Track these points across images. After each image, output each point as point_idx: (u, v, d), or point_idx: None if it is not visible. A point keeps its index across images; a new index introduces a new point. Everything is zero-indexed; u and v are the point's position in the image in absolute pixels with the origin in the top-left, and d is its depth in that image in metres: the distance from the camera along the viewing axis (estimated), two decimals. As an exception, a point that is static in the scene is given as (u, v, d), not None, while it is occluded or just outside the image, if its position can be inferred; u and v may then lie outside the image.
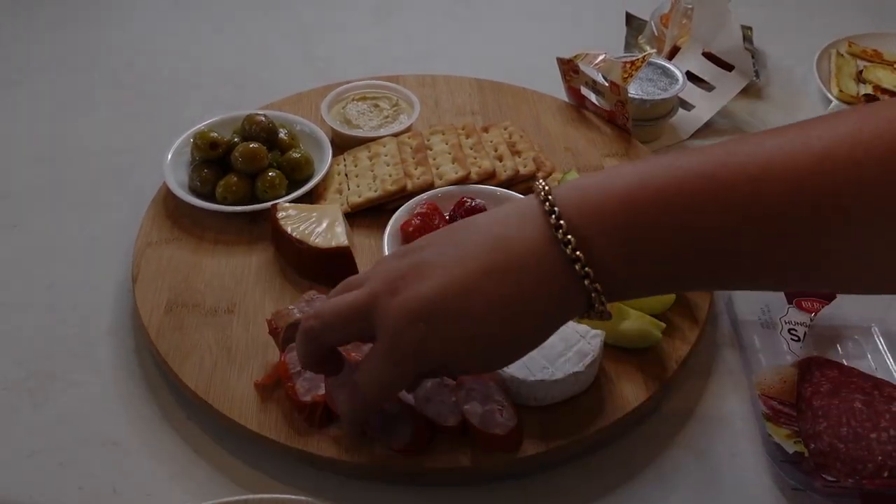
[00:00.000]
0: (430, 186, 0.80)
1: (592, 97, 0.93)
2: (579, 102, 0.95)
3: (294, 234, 0.72)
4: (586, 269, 0.45)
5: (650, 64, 0.94)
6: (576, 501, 0.60)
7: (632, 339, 0.66)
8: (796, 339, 0.69)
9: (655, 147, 0.93)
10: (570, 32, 1.14)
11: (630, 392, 0.64)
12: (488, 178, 0.81)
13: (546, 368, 0.61)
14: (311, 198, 0.81)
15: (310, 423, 0.61)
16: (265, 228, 0.77)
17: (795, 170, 0.43)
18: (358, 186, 0.81)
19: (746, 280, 0.49)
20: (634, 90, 0.91)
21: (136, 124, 0.95)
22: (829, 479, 0.58)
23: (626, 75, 0.87)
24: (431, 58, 1.08)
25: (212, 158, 0.81)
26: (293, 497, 0.54)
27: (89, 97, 1.00)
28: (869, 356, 0.68)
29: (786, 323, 0.70)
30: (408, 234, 0.73)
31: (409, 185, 0.80)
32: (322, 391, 0.60)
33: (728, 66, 0.97)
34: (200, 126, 0.84)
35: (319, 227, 0.73)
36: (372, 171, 0.82)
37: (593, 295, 0.46)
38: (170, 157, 0.82)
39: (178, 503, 0.59)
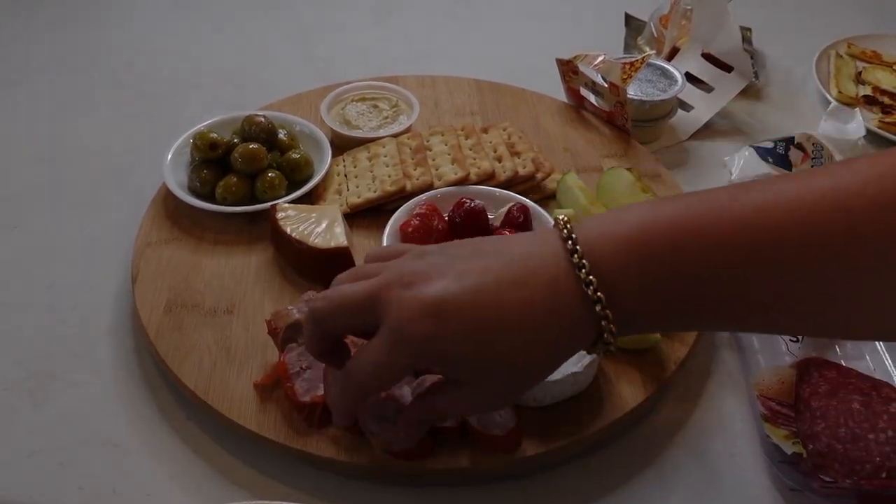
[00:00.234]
0: (430, 187, 0.80)
1: (592, 98, 0.93)
2: (578, 103, 0.95)
3: (293, 235, 0.72)
4: (598, 293, 0.45)
5: (649, 65, 0.94)
6: (575, 502, 0.60)
7: (631, 340, 0.66)
8: (795, 339, 0.69)
9: (655, 148, 0.93)
10: (569, 33, 1.14)
11: (629, 393, 0.64)
12: (487, 178, 0.81)
13: (545, 369, 0.61)
14: (311, 198, 0.81)
15: (309, 424, 0.61)
16: (265, 229, 0.77)
17: (811, 210, 0.43)
18: (357, 187, 0.81)
19: (758, 322, 0.48)
20: (633, 91, 0.91)
21: (135, 125, 0.96)
22: (827, 479, 0.58)
23: (625, 76, 0.87)
24: (431, 58, 1.08)
25: (211, 159, 0.81)
26: None
27: (89, 97, 1.00)
28: (867, 357, 0.68)
29: (784, 324, 0.70)
30: (407, 235, 0.73)
31: (409, 186, 0.80)
32: (321, 392, 0.60)
33: (727, 68, 0.97)
34: (200, 126, 0.84)
35: (319, 227, 0.73)
36: (371, 171, 0.82)
37: (603, 323, 0.46)
38: (169, 157, 0.82)
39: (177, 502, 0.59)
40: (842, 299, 0.45)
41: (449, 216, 0.75)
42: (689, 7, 1.00)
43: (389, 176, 0.81)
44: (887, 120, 0.96)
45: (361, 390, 0.50)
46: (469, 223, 0.74)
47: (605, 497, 0.60)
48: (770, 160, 0.85)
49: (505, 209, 0.76)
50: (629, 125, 0.90)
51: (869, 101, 1.00)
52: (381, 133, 0.87)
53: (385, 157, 0.84)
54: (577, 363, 0.61)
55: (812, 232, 0.43)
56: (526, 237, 0.50)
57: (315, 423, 0.61)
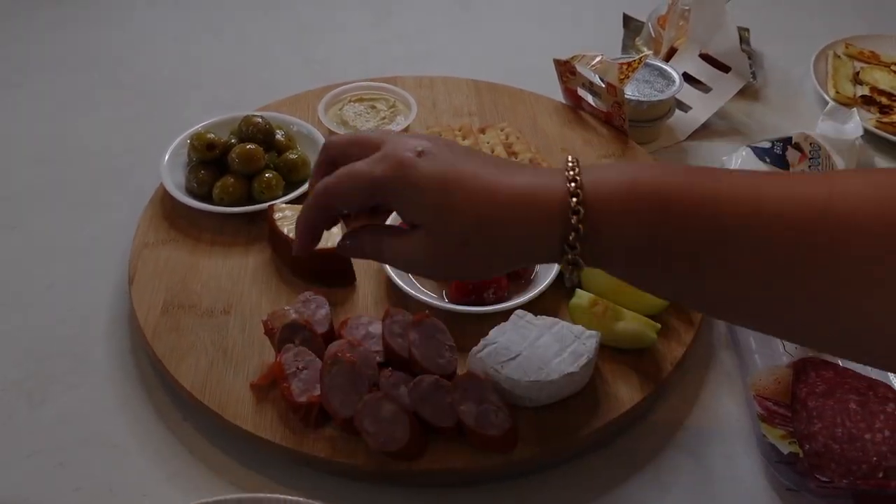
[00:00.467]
0: (427, 187, 0.80)
1: (589, 98, 0.93)
2: (576, 104, 0.95)
3: (290, 235, 0.72)
4: (580, 207, 0.47)
5: (647, 65, 0.94)
6: (572, 502, 0.60)
7: (627, 340, 0.66)
8: (791, 340, 0.69)
9: (653, 148, 0.93)
10: (567, 34, 1.14)
11: (625, 393, 0.64)
12: (485, 179, 0.81)
13: (541, 369, 0.61)
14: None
15: (305, 424, 0.61)
16: (262, 229, 0.77)
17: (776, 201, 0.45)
18: (355, 187, 0.81)
19: (696, 292, 0.49)
20: (631, 91, 0.91)
21: (133, 125, 0.96)
22: (824, 479, 0.58)
23: (622, 77, 0.87)
24: (429, 59, 1.09)
25: (209, 159, 0.81)
26: (287, 497, 0.55)
27: (88, 98, 1.00)
28: (864, 357, 0.68)
29: (781, 324, 0.70)
30: (404, 236, 0.73)
31: (406, 187, 0.80)
32: (317, 392, 0.61)
33: (725, 68, 0.98)
34: (197, 127, 0.84)
35: (316, 228, 0.73)
36: (369, 172, 0.82)
37: (572, 236, 0.47)
38: (167, 158, 0.82)
39: (174, 503, 0.59)
40: (792, 296, 0.45)
41: (446, 216, 0.75)
42: (687, 8, 1.00)
43: (387, 176, 0.81)
44: (885, 120, 0.96)
45: (332, 194, 0.51)
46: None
47: (601, 497, 0.60)
48: (767, 160, 0.85)
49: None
50: (627, 125, 0.90)
51: (867, 102, 1.00)
52: (379, 134, 0.87)
53: (382, 157, 0.84)
54: (573, 364, 0.62)
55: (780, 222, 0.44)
56: (540, 167, 0.54)
57: (311, 424, 0.61)
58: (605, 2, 1.18)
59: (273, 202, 0.77)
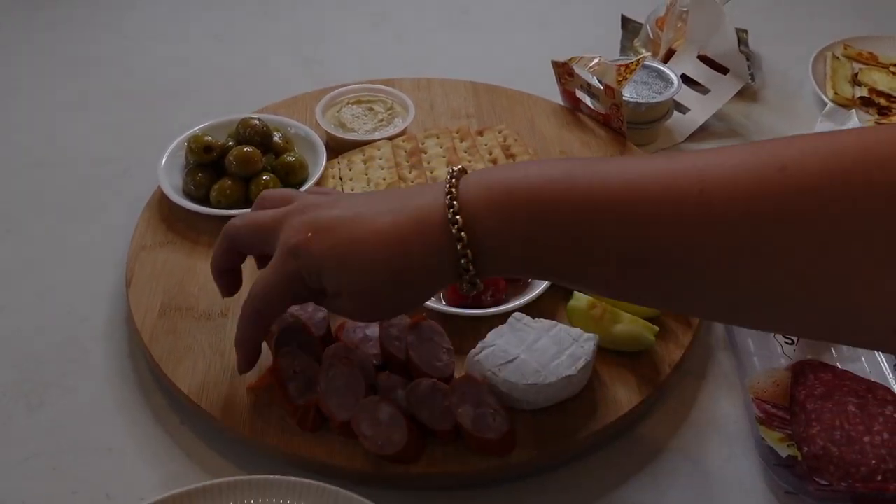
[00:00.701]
0: (425, 190, 0.80)
1: (587, 100, 0.93)
2: (574, 105, 0.95)
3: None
4: (462, 233, 0.49)
5: (645, 67, 0.94)
6: (569, 505, 0.60)
7: (625, 343, 0.66)
8: (790, 342, 0.68)
9: (651, 150, 0.93)
10: (565, 35, 1.14)
11: (623, 396, 0.64)
12: (483, 181, 0.81)
13: (538, 372, 0.61)
14: (306, 201, 0.81)
15: (302, 427, 0.61)
16: (259, 232, 0.77)
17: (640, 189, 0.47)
18: (352, 190, 0.81)
19: (591, 281, 0.51)
20: (629, 93, 0.91)
21: (131, 128, 0.96)
22: (823, 482, 0.58)
23: (620, 78, 0.87)
24: (427, 61, 1.08)
25: (206, 162, 0.81)
26: (266, 476, 0.55)
27: (84, 101, 1.00)
28: (863, 359, 0.68)
29: (780, 326, 0.70)
30: (402, 238, 0.73)
31: (404, 189, 0.80)
32: (315, 395, 0.60)
33: (723, 69, 0.97)
34: (195, 130, 0.84)
35: (313, 230, 0.73)
36: (366, 174, 0.82)
37: (463, 261, 0.50)
38: (164, 160, 0.82)
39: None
40: (682, 271, 0.47)
41: (444, 219, 0.75)
42: (685, 9, 1.00)
43: (385, 178, 0.81)
44: (884, 121, 0.96)
45: (255, 306, 0.56)
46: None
47: (599, 500, 0.60)
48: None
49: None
50: (625, 127, 0.90)
51: (865, 103, 1.00)
52: (377, 136, 0.87)
53: (380, 159, 0.84)
54: (571, 366, 0.61)
55: (664, 200, 0.45)
56: (424, 185, 0.55)
57: (308, 427, 0.60)
58: (604, 3, 1.18)
59: (270, 205, 0.77)
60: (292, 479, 0.55)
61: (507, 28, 1.17)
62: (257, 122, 0.83)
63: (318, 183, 0.82)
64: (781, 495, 0.60)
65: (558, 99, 0.96)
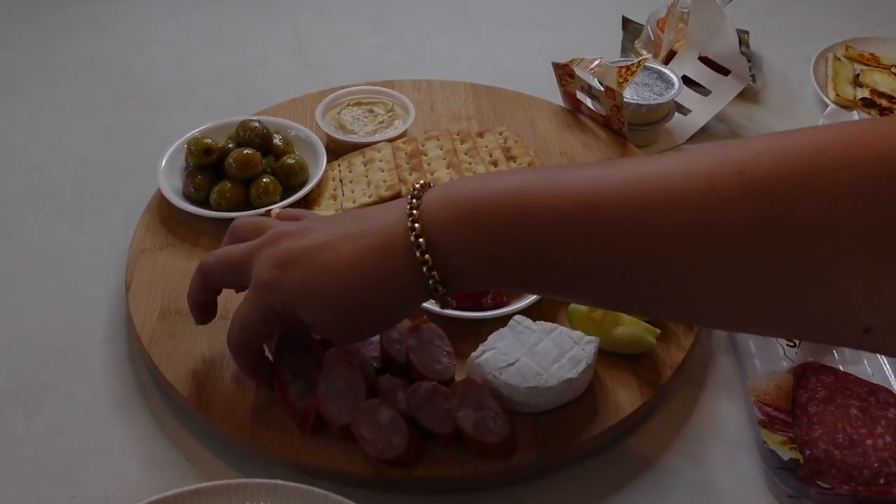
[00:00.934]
0: (425, 192, 0.79)
1: (588, 102, 0.93)
2: (575, 107, 0.95)
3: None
4: (426, 255, 0.50)
5: (646, 68, 0.94)
6: (570, 509, 0.60)
7: (626, 346, 0.66)
8: (791, 344, 0.68)
9: (652, 152, 0.93)
10: (565, 37, 1.14)
11: (624, 398, 0.63)
12: (483, 183, 0.80)
13: (540, 375, 0.61)
14: (306, 203, 0.81)
15: (302, 431, 0.60)
16: (259, 235, 0.77)
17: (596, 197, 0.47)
18: (352, 192, 0.81)
19: (561, 290, 0.53)
20: (630, 95, 0.91)
21: (131, 130, 0.95)
22: (825, 486, 0.58)
23: (621, 80, 0.87)
24: (427, 63, 1.08)
25: (206, 164, 0.80)
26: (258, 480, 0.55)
27: (84, 103, 1.00)
28: (865, 361, 0.68)
29: (781, 328, 0.69)
30: (402, 241, 0.73)
31: (404, 191, 0.80)
32: (315, 398, 0.60)
33: (724, 71, 0.97)
34: (194, 132, 0.84)
35: (313, 233, 0.73)
36: (366, 176, 0.82)
37: (430, 282, 0.51)
38: (164, 163, 0.82)
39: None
40: (643, 278, 0.48)
41: (444, 221, 0.75)
42: (686, 10, 1.00)
43: (385, 181, 0.81)
44: (885, 123, 0.96)
45: (236, 340, 0.58)
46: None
47: (600, 503, 0.60)
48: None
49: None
50: (626, 129, 0.89)
51: (867, 104, 1.00)
52: (377, 138, 0.87)
53: (380, 161, 0.84)
54: (572, 369, 0.61)
55: (627, 211, 0.46)
56: (390, 204, 0.55)
57: (308, 431, 0.60)
58: (605, 4, 1.17)
59: (270, 207, 0.77)
60: (291, 483, 0.55)
61: (508, 29, 1.17)
62: (257, 124, 0.83)
63: (319, 185, 0.82)
64: (783, 499, 0.60)
65: (559, 100, 0.96)
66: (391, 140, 0.86)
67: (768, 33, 1.12)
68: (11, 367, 0.69)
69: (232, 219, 0.77)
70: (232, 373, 0.65)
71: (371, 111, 0.91)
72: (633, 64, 0.88)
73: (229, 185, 0.79)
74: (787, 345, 0.68)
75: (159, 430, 0.64)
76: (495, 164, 0.83)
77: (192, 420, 0.64)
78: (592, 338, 0.63)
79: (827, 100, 0.98)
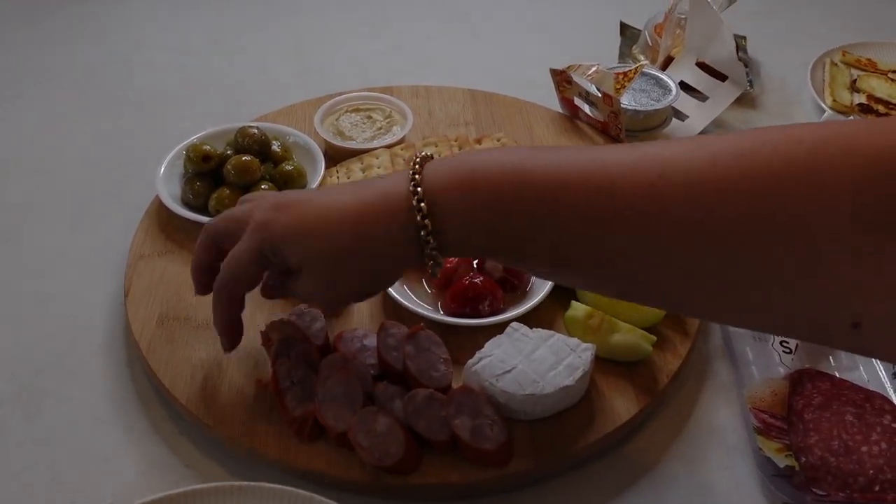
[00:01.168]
0: (423, 198, 0.80)
1: (586, 108, 0.93)
2: (573, 113, 0.95)
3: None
4: (426, 220, 0.50)
5: (644, 74, 0.94)
6: (566, 516, 0.60)
7: (623, 353, 0.66)
8: (788, 351, 0.68)
9: (649, 157, 0.93)
10: (563, 42, 1.14)
11: (621, 405, 0.64)
12: (481, 189, 0.81)
13: (536, 382, 0.61)
14: (304, 210, 0.81)
15: (300, 437, 0.61)
16: (258, 241, 0.77)
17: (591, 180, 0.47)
18: (351, 198, 0.81)
19: (544, 266, 0.52)
20: (628, 101, 0.91)
21: (129, 137, 0.96)
22: (820, 493, 0.58)
23: (618, 86, 0.87)
24: (425, 69, 1.09)
25: (204, 171, 0.81)
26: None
27: (84, 109, 1.00)
28: (861, 367, 0.68)
29: (778, 335, 0.70)
30: (399, 247, 0.73)
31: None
32: (312, 405, 0.60)
33: (722, 76, 0.97)
34: (193, 138, 0.84)
35: (311, 240, 0.73)
36: (365, 183, 0.82)
37: (422, 232, 0.50)
38: (163, 169, 0.82)
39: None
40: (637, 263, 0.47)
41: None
42: (683, 16, 1.00)
43: (383, 187, 0.81)
44: (882, 128, 0.96)
45: (221, 279, 0.58)
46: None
47: (597, 511, 0.60)
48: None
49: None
50: (623, 135, 0.90)
51: (864, 110, 1.00)
52: (375, 144, 0.87)
53: (379, 167, 0.84)
54: (569, 377, 0.61)
55: (623, 189, 0.46)
56: (391, 173, 0.57)
57: (306, 437, 0.60)
58: (602, 10, 1.18)
59: (268, 214, 0.77)
60: (286, 488, 0.55)
61: (506, 36, 1.17)
62: (256, 130, 0.83)
63: (317, 191, 0.82)
64: (779, 506, 0.60)
65: (557, 107, 0.96)
66: (389, 146, 0.87)
67: (765, 38, 1.12)
68: (10, 373, 0.69)
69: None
70: (230, 379, 0.65)
71: (369, 117, 0.91)
72: (630, 70, 0.88)
73: (228, 191, 0.79)
74: (784, 351, 0.68)
75: (157, 435, 0.64)
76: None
77: (190, 426, 0.64)
78: (589, 345, 0.64)
79: (824, 105, 0.98)
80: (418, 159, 0.52)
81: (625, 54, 1.08)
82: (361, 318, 0.71)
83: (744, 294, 0.45)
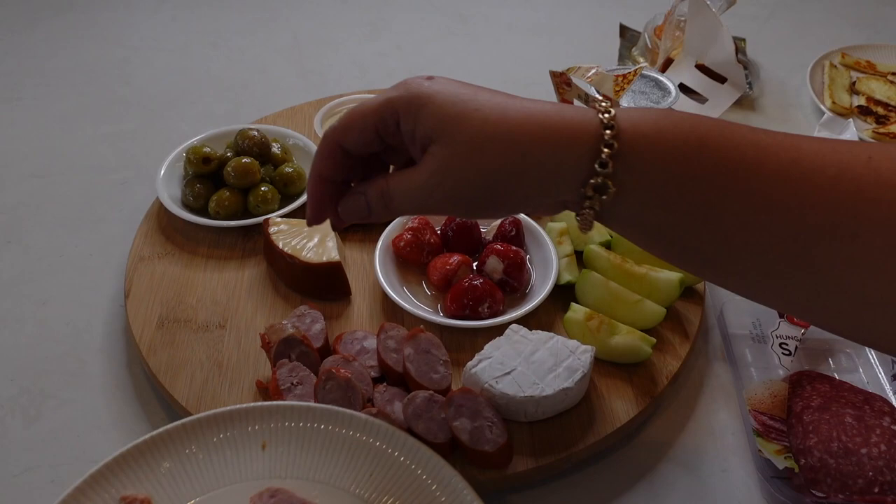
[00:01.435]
0: (423, 200, 0.80)
1: (585, 110, 0.93)
2: (572, 115, 0.95)
3: (285, 250, 0.72)
4: (612, 122, 0.43)
5: (643, 76, 0.94)
6: (566, 517, 0.60)
7: (622, 355, 0.66)
8: (787, 353, 0.68)
9: (648, 159, 0.93)
10: (563, 44, 1.14)
11: (620, 407, 0.64)
12: (480, 191, 0.81)
13: (536, 384, 0.61)
14: (304, 212, 0.81)
15: (300, 440, 0.61)
16: (258, 243, 0.77)
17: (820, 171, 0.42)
18: (350, 200, 0.81)
19: (722, 256, 0.45)
20: (627, 103, 0.91)
21: (130, 139, 0.96)
22: (820, 494, 0.58)
23: (618, 88, 0.87)
24: (425, 71, 1.08)
25: (204, 173, 0.81)
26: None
27: (84, 112, 1.00)
28: (860, 370, 0.68)
29: (777, 337, 0.70)
30: (399, 249, 0.73)
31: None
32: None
33: (721, 79, 0.98)
34: (193, 140, 0.84)
35: (311, 242, 0.73)
36: (364, 185, 0.82)
37: (605, 154, 0.43)
38: (163, 171, 0.82)
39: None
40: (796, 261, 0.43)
41: (441, 230, 0.76)
42: (683, 18, 1.00)
43: (382, 189, 0.81)
44: (881, 130, 0.96)
45: (333, 128, 0.48)
46: (461, 237, 0.74)
47: (596, 512, 0.60)
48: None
49: (497, 223, 0.76)
50: (623, 137, 0.89)
51: (863, 112, 1.00)
52: (375, 146, 0.87)
53: (378, 170, 0.84)
54: (569, 378, 0.61)
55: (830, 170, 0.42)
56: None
57: (306, 440, 0.60)
58: (602, 12, 1.18)
59: (269, 216, 0.77)
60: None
61: (505, 37, 1.17)
62: (256, 132, 0.83)
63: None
64: (778, 507, 0.60)
65: (556, 108, 0.96)
66: (389, 148, 0.87)
67: (765, 41, 1.12)
68: (10, 375, 0.69)
69: (230, 228, 0.78)
70: (229, 381, 0.65)
71: (369, 119, 0.91)
72: (629, 72, 0.88)
73: (228, 193, 0.79)
74: (783, 353, 0.68)
75: (157, 438, 0.64)
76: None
77: (190, 429, 0.64)
78: (588, 347, 0.64)
79: (823, 107, 0.99)
80: (605, 105, 0.44)
81: (624, 56, 1.08)
82: (361, 319, 0.71)
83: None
